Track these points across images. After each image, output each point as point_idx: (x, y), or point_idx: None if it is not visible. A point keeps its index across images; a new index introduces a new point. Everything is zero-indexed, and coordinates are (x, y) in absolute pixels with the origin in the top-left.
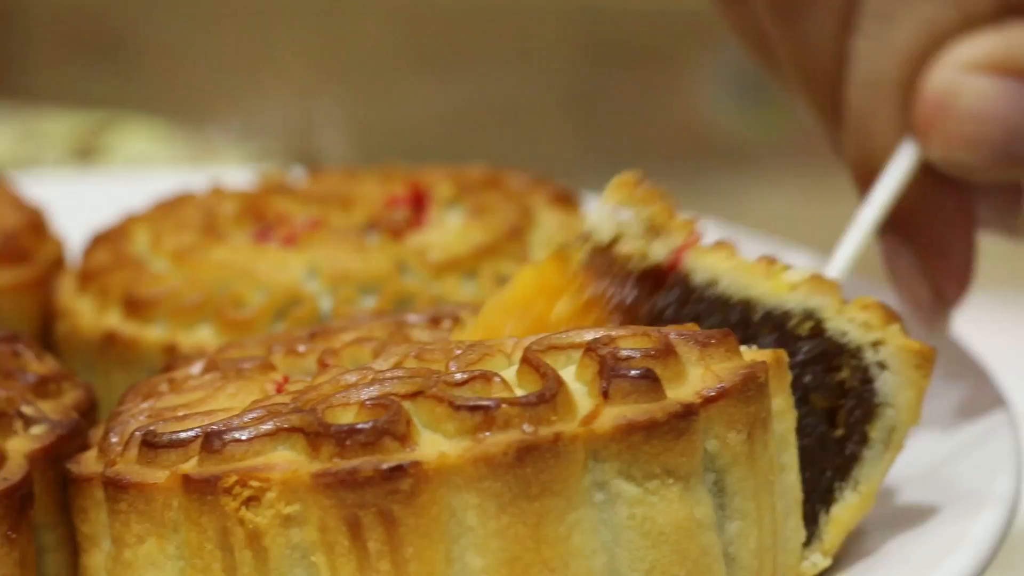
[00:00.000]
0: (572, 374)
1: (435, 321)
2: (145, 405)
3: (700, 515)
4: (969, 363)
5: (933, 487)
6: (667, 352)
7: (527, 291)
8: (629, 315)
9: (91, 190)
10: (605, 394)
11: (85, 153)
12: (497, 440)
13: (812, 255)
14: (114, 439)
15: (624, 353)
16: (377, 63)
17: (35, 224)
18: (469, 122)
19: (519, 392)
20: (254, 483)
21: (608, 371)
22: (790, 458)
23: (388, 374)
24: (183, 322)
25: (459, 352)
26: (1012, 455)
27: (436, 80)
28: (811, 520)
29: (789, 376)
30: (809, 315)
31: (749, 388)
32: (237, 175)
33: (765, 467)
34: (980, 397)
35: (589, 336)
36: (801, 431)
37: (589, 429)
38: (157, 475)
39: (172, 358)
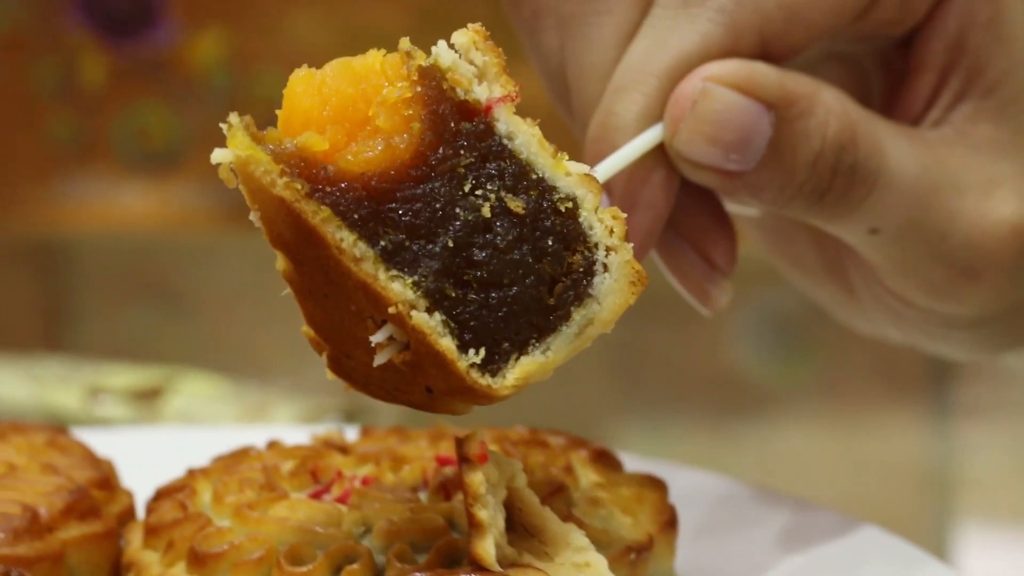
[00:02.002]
0: None
1: None
2: None
3: None
4: None
5: None
6: None
7: (371, 66)
8: (434, 125)
9: (153, 445)
10: None
11: (146, 408)
12: None
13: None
14: None
15: None
16: None
17: (105, 478)
18: None
19: None
20: None
21: None
22: None
23: None
24: None
25: None
26: None
27: None
28: (503, 356)
29: None
30: (571, 198)
31: None
32: (293, 433)
33: None
34: None
35: None
36: (524, 282)
37: None
38: None
39: None
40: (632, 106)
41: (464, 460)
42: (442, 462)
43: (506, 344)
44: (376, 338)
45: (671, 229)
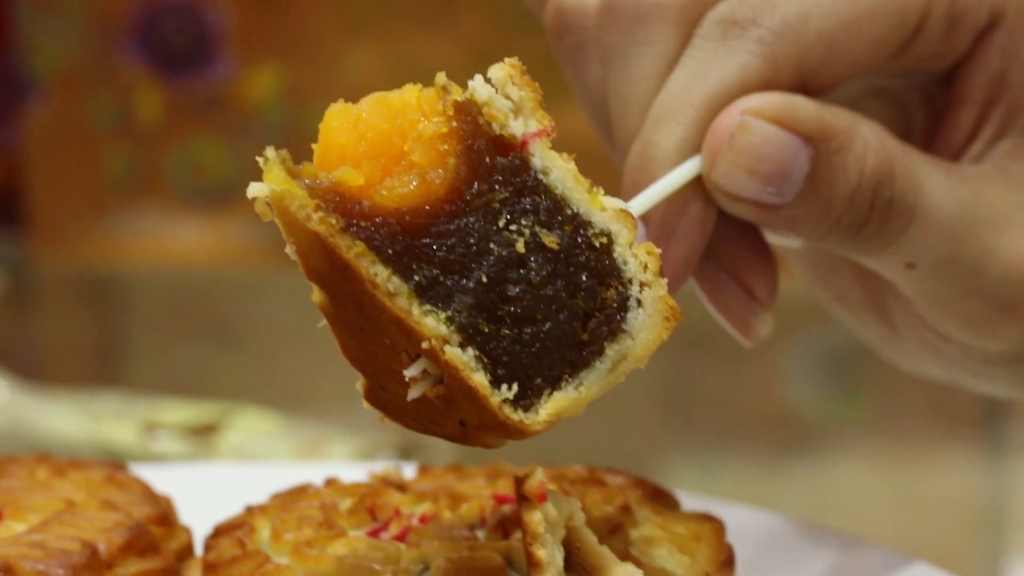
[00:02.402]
0: None
1: None
2: None
3: None
4: None
5: None
6: None
7: (408, 101)
8: (469, 160)
9: (211, 481)
10: None
11: (202, 443)
12: None
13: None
14: None
15: None
16: None
17: (164, 515)
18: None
19: None
20: None
21: None
22: None
23: None
24: None
25: None
26: None
27: None
28: (536, 391)
29: None
30: (606, 233)
31: None
32: (351, 470)
33: None
34: None
35: None
36: (557, 318)
37: None
38: None
39: None
40: (671, 136)
41: (523, 499)
42: (500, 500)
43: (539, 379)
44: (410, 372)
45: (711, 260)
